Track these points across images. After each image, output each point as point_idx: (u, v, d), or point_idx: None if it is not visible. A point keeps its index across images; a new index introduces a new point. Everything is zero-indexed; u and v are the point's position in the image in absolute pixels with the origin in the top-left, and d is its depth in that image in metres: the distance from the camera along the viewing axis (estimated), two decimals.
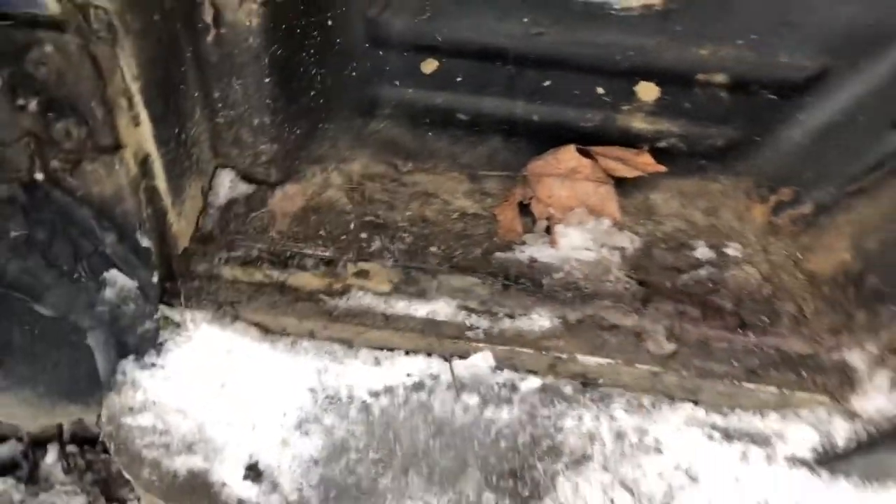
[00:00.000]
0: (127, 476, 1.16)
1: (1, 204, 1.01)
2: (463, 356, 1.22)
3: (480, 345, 1.21)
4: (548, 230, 1.34)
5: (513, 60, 1.32)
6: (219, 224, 1.29)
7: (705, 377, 1.19)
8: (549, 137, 1.39)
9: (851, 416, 1.17)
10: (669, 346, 1.21)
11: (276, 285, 1.24)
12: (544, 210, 1.35)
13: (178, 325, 1.21)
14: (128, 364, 1.19)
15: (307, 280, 1.25)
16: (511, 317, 1.22)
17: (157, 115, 1.05)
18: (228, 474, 1.14)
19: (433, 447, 1.19)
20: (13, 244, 1.04)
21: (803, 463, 1.19)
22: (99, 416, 2.39)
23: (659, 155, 1.37)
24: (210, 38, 1.12)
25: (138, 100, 0.99)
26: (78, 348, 1.14)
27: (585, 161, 1.35)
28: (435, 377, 1.23)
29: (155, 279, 1.16)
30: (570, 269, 1.28)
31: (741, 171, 1.39)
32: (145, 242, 1.11)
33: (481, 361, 1.22)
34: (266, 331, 1.24)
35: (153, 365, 1.20)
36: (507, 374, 1.23)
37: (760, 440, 1.20)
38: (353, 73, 1.37)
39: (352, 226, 1.32)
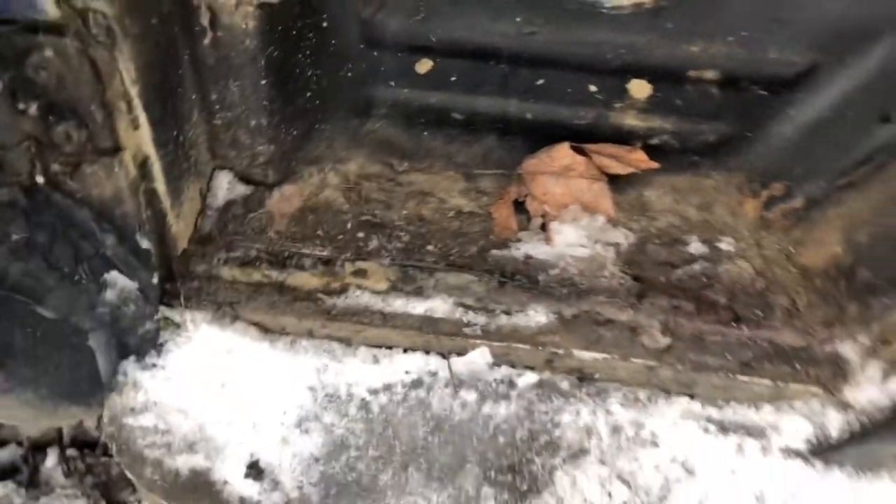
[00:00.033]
0: (129, 476, 1.18)
1: (2, 207, 1.01)
2: (460, 353, 1.23)
3: (478, 341, 1.22)
4: (543, 227, 1.36)
5: (506, 60, 1.33)
6: (217, 225, 1.30)
7: (700, 371, 1.21)
8: (543, 135, 1.40)
9: (844, 407, 1.19)
10: (664, 341, 1.22)
11: (274, 285, 1.25)
12: (539, 207, 1.36)
13: (178, 326, 1.22)
14: (129, 365, 1.20)
15: (305, 280, 1.26)
16: (507, 313, 1.23)
17: (156, 118, 1.06)
18: (230, 473, 1.15)
19: (432, 443, 1.20)
20: (14, 247, 1.04)
21: (798, 454, 1.21)
22: (99, 418, 2.40)
23: (652, 151, 1.38)
24: (207, 41, 1.12)
25: (137, 103, 1.00)
26: (79, 350, 1.14)
27: (579, 158, 1.36)
28: (433, 374, 1.24)
29: (155, 280, 1.17)
30: (565, 265, 1.29)
31: (733, 167, 1.40)
32: (145, 244, 1.12)
33: (479, 358, 1.23)
34: (265, 330, 1.25)
35: (154, 365, 1.21)
36: (504, 370, 1.24)
37: (755, 432, 1.22)
38: (349, 74, 1.38)
39: (349, 225, 1.33)
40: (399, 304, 1.24)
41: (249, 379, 1.22)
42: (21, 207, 1.03)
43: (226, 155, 1.31)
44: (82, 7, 0.88)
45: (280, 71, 1.22)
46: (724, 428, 1.22)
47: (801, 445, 1.21)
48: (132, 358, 1.20)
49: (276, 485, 1.15)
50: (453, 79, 1.38)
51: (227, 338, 1.23)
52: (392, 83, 1.41)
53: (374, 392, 1.23)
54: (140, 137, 1.05)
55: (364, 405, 1.22)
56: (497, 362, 1.24)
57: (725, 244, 1.34)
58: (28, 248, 1.05)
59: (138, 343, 1.19)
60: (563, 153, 1.37)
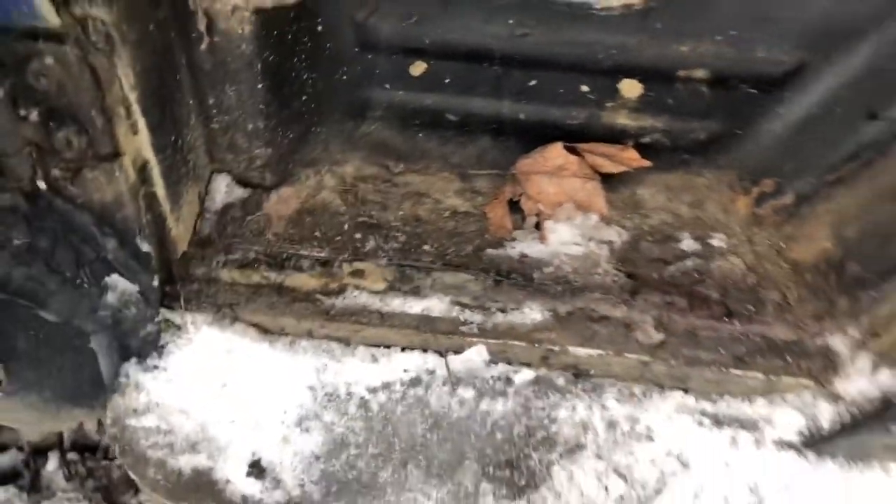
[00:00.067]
0: (133, 476, 1.19)
1: (4, 213, 1.03)
2: (458, 351, 1.25)
3: (474, 339, 1.24)
4: (537, 226, 1.37)
5: (499, 61, 1.34)
6: (216, 228, 1.31)
7: (694, 365, 1.22)
8: (536, 136, 1.41)
9: (835, 398, 1.21)
10: (658, 336, 1.24)
11: (273, 286, 1.26)
12: (533, 207, 1.38)
13: (178, 328, 1.23)
14: (131, 367, 1.21)
15: (304, 281, 1.27)
16: (503, 311, 1.25)
17: (155, 123, 1.07)
18: (232, 472, 1.17)
19: (431, 440, 1.21)
20: (17, 252, 1.05)
21: (791, 446, 1.23)
22: (99, 422, 2.42)
23: (644, 150, 1.40)
24: (204, 46, 1.14)
25: (136, 108, 1.01)
26: (81, 353, 1.16)
27: (572, 158, 1.38)
28: (431, 372, 1.26)
29: (155, 283, 1.18)
30: (559, 263, 1.31)
31: (724, 165, 1.42)
32: (145, 247, 1.13)
33: (476, 356, 1.24)
34: (265, 331, 1.27)
35: (155, 367, 1.22)
36: (501, 368, 1.26)
37: (749, 425, 1.24)
38: (344, 77, 1.39)
39: (346, 226, 1.34)
40: (396, 304, 1.25)
41: (250, 379, 1.23)
42: (23, 213, 1.04)
43: (223, 158, 1.32)
44: (82, 14, 0.89)
45: (276, 75, 1.23)
46: (717, 421, 1.24)
47: (793, 437, 1.22)
48: (134, 360, 1.22)
49: (277, 483, 1.17)
50: (447, 81, 1.39)
51: (227, 339, 1.24)
52: (387, 86, 1.42)
53: (373, 391, 1.24)
54: (139, 142, 1.06)
55: (363, 404, 1.23)
56: (494, 360, 1.25)
57: (717, 241, 1.36)
58: (30, 252, 1.06)
59: (140, 345, 1.21)
60: (556, 153, 1.38)
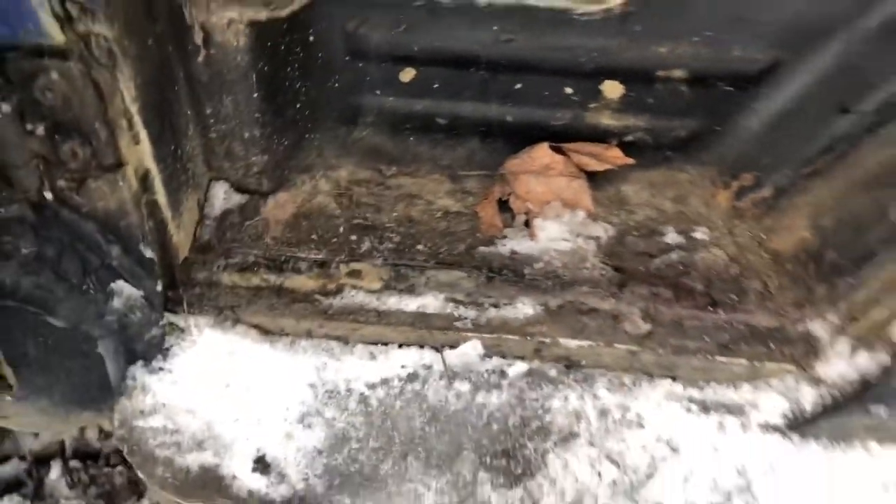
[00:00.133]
0: (141, 475, 1.22)
1: (12, 223, 1.05)
2: (453, 346, 1.29)
3: (469, 334, 1.27)
4: (526, 224, 1.41)
5: (485, 66, 1.37)
6: (216, 234, 1.35)
7: (680, 354, 1.26)
8: (523, 137, 1.45)
9: (817, 382, 1.25)
10: (645, 327, 1.27)
11: (272, 288, 1.30)
12: (522, 205, 1.42)
13: (182, 331, 1.27)
14: (137, 369, 1.25)
15: (302, 282, 1.31)
16: (496, 306, 1.29)
17: (155, 134, 1.10)
18: (238, 468, 1.20)
19: (429, 433, 1.25)
20: (25, 261, 1.08)
21: (775, 429, 1.26)
22: (101, 429, 2.44)
23: (627, 148, 1.43)
24: (200, 58, 1.17)
25: (137, 120, 1.05)
26: (89, 357, 1.18)
27: (558, 157, 1.42)
28: (428, 367, 1.29)
29: (159, 288, 1.22)
30: (549, 259, 1.35)
31: (705, 161, 1.46)
32: (149, 254, 1.17)
33: (470, 350, 1.28)
34: (265, 332, 1.30)
35: (161, 369, 1.25)
36: (495, 361, 1.29)
37: (735, 410, 1.27)
38: (336, 85, 1.42)
39: (342, 229, 1.38)
40: (393, 302, 1.29)
41: (252, 378, 1.27)
42: (30, 223, 1.06)
43: (221, 166, 1.36)
44: (85, 31, 0.92)
45: (270, 84, 1.27)
46: (705, 407, 1.27)
47: (778, 420, 1.26)
48: (140, 363, 1.25)
49: (282, 477, 1.20)
50: (436, 86, 1.42)
51: (229, 340, 1.28)
52: (378, 92, 1.45)
53: (372, 387, 1.28)
54: (141, 152, 1.09)
55: (363, 399, 1.27)
56: (488, 353, 1.29)
57: (700, 233, 1.40)
58: (38, 261, 1.09)
59: (145, 348, 1.24)
60: (542, 153, 1.42)
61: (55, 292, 1.12)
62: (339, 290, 1.30)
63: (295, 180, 1.44)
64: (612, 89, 1.38)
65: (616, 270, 1.34)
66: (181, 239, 1.28)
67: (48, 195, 1.06)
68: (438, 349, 1.29)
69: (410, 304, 1.29)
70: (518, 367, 1.29)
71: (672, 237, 1.40)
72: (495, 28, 1.31)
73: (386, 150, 1.49)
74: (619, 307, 1.29)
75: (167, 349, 1.27)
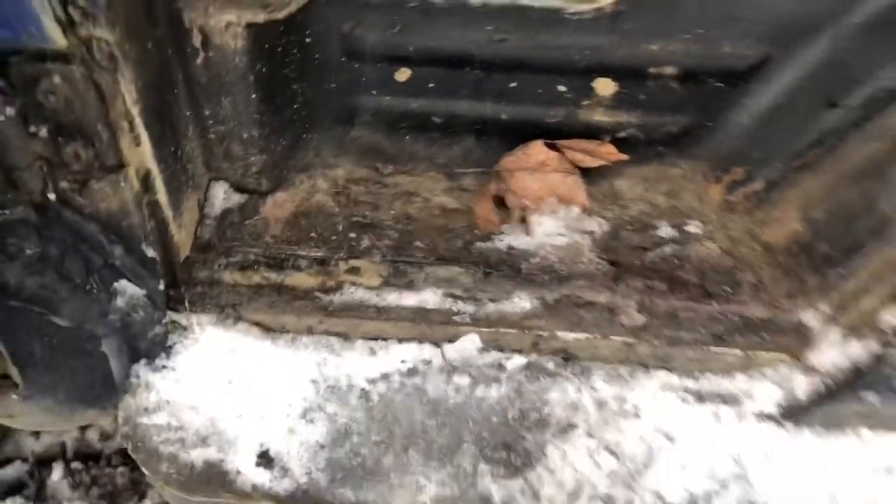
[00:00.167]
0: (146, 472, 1.24)
1: (17, 225, 1.06)
2: (452, 340, 1.30)
3: (467, 329, 1.29)
4: (523, 220, 1.43)
5: (480, 65, 1.39)
6: (216, 233, 1.36)
7: (676, 345, 1.28)
8: (518, 134, 1.47)
9: (810, 371, 1.26)
10: (641, 319, 1.29)
11: (273, 286, 1.31)
12: (518, 201, 1.43)
13: (185, 329, 1.29)
14: (140, 368, 1.26)
15: (302, 279, 1.32)
16: (494, 301, 1.30)
17: (156, 135, 1.11)
18: (242, 463, 1.21)
19: (430, 426, 1.26)
20: (29, 262, 1.09)
21: (770, 417, 1.28)
22: (102, 432, 2.45)
23: (620, 144, 1.45)
24: (199, 61, 1.19)
25: (138, 122, 1.06)
26: (93, 355, 1.20)
27: (553, 154, 1.44)
28: (427, 362, 1.31)
29: (161, 287, 1.23)
30: (545, 254, 1.37)
31: (697, 155, 1.47)
32: (151, 253, 1.18)
33: (469, 344, 1.30)
34: (267, 329, 1.32)
35: (164, 367, 1.27)
36: (493, 355, 1.31)
37: (730, 400, 1.29)
38: (333, 86, 1.44)
39: (340, 227, 1.40)
40: (392, 298, 1.30)
41: (255, 375, 1.28)
42: (33, 224, 1.07)
43: (220, 167, 1.37)
44: (87, 35, 0.93)
45: (268, 85, 1.28)
46: (700, 397, 1.29)
47: (772, 409, 1.28)
48: (143, 361, 1.26)
49: (285, 472, 1.21)
50: (431, 85, 1.44)
51: (231, 338, 1.29)
52: (374, 92, 1.46)
53: (372, 382, 1.29)
54: (142, 154, 1.10)
55: (364, 394, 1.28)
56: (486, 347, 1.30)
57: (693, 227, 1.42)
58: (42, 262, 1.10)
59: (148, 346, 1.26)
60: (537, 150, 1.44)
61: (59, 292, 1.13)
62: (338, 287, 1.31)
63: (293, 180, 1.45)
64: (605, 87, 1.40)
65: (611, 264, 1.36)
66: (182, 238, 1.29)
67: (51, 196, 1.07)
68: (437, 344, 1.31)
69: (409, 299, 1.30)
70: (516, 361, 1.31)
71: (666, 231, 1.42)
72: (489, 28, 1.32)
73: (383, 148, 1.51)
74: (614, 300, 1.31)
75: (170, 347, 1.28)
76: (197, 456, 1.22)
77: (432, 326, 1.29)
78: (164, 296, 1.25)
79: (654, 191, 1.48)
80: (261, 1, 1.14)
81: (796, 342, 1.28)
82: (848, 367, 1.22)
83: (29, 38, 0.92)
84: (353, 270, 1.34)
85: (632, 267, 1.36)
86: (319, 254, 1.35)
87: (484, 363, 1.31)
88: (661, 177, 1.49)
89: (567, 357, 1.32)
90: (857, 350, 1.21)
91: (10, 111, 0.97)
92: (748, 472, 1.25)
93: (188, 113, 1.25)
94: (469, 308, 1.30)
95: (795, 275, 1.33)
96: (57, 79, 0.96)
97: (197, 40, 1.17)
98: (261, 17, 1.16)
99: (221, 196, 1.40)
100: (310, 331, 1.32)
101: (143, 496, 2.41)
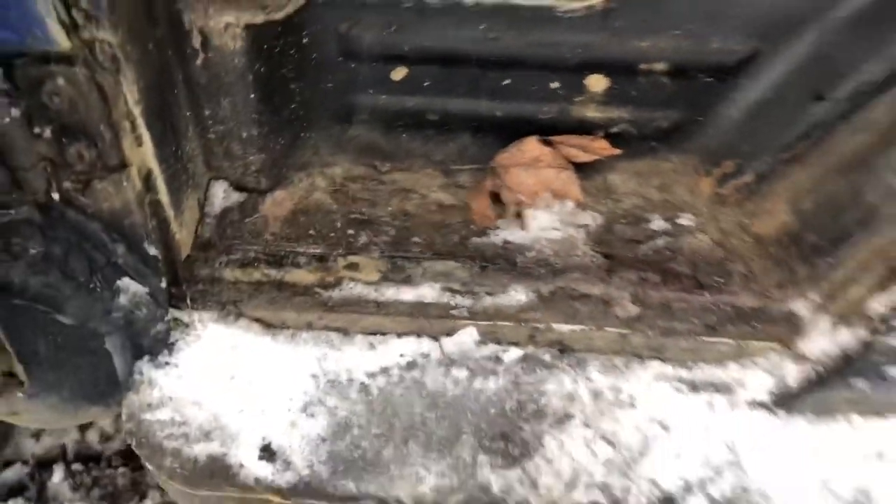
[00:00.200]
0: (149, 467, 1.25)
1: (21, 225, 1.07)
2: (450, 334, 1.32)
3: (465, 322, 1.31)
4: (518, 215, 1.45)
5: (474, 63, 1.40)
6: (216, 231, 1.38)
7: (669, 335, 1.30)
8: (512, 131, 1.48)
9: (801, 359, 1.28)
10: (635, 310, 1.31)
11: (273, 283, 1.33)
12: (513, 197, 1.45)
13: (187, 326, 1.30)
14: (143, 364, 1.28)
15: (302, 276, 1.34)
16: (491, 294, 1.32)
17: (157, 135, 1.13)
18: (245, 456, 1.23)
19: (429, 419, 1.28)
20: (33, 261, 1.10)
21: (762, 405, 1.30)
22: (101, 432, 2.46)
23: (613, 140, 1.47)
24: (199, 62, 1.21)
25: (140, 122, 1.07)
26: (97, 353, 1.21)
27: (547, 150, 1.46)
28: (426, 355, 1.32)
29: (163, 285, 1.25)
30: (540, 247, 1.39)
31: (688, 150, 1.49)
32: (153, 251, 1.20)
33: (467, 337, 1.31)
34: (268, 325, 1.33)
35: (167, 364, 1.29)
36: (491, 348, 1.32)
37: (723, 388, 1.31)
38: (330, 85, 1.45)
39: (339, 224, 1.41)
40: (390, 293, 1.32)
41: (256, 370, 1.30)
42: (37, 224, 1.09)
43: (220, 166, 1.39)
44: (90, 38, 0.94)
45: (266, 85, 1.30)
46: (694, 387, 1.31)
47: (765, 397, 1.30)
48: (146, 358, 1.28)
49: (287, 465, 1.23)
50: (427, 84, 1.45)
51: (232, 334, 1.31)
52: (370, 91, 1.48)
53: (372, 375, 1.31)
54: (144, 154, 1.12)
55: (364, 388, 1.30)
56: (484, 340, 1.32)
57: (685, 220, 1.45)
58: (46, 261, 1.11)
59: (151, 343, 1.27)
60: (531, 146, 1.46)
61: (63, 291, 1.14)
62: (338, 283, 1.33)
63: (292, 178, 1.47)
64: (597, 83, 1.42)
65: (605, 257, 1.38)
66: (183, 237, 1.31)
67: (55, 196, 1.09)
68: (436, 337, 1.33)
69: (407, 294, 1.32)
70: (513, 353, 1.32)
71: (658, 224, 1.44)
72: (482, 27, 1.33)
73: (380, 146, 1.53)
74: (609, 292, 1.33)
75: (172, 344, 1.30)
76: (200, 450, 1.23)
77: (430, 320, 1.31)
78: (166, 293, 1.27)
79: (646, 185, 1.50)
80: (259, 2, 1.16)
81: (787, 331, 1.30)
82: (837, 354, 1.24)
83: (33, 40, 0.94)
84: (352, 266, 1.35)
85: (625, 259, 1.38)
86: (318, 250, 1.37)
87: (481, 356, 1.32)
88: (653, 171, 1.51)
89: (563, 349, 1.34)
90: (847, 338, 1.23)
91: (15, 113, 0.98)
92: (741, 459, 1.27)
93: (188, 113, 1.26)
94: (466, 302, 1.32)
95: (785, 265, 1.35)
96: (61, 80, 0.97)
97: (197, 41, 1.19)
98: (259, 18, 1.18)
99: (221, 195, 1.42)
100: (310, 326, 1.34)
101: (143, 496, 2.43)
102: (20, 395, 1.21)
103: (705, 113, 1.45)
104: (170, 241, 1.26)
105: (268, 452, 1.24)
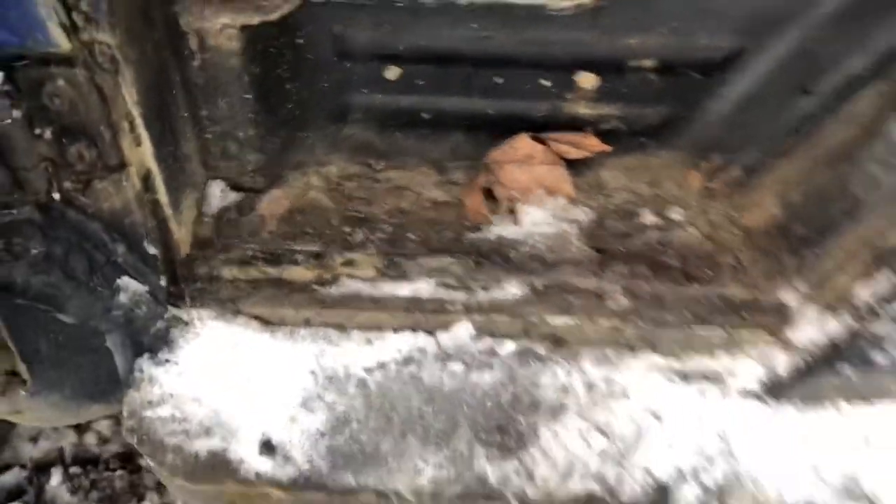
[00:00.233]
0: (151, 463, 1.27)
1: (23, 225, 1.09)
2: (446, 328, 1.33)
3: (460, 317, 1.33)
4: (511, 211, 1.46)
5: (467, 62, 1.41)
6: (214, 230, 1.39)
7: (661, 327, 1.32)
8: (505, 129, 1.49)
9: (789, 347, 1.31)
10: (626, 303, 1.33)
11: (271, 280, 1.34)
12: (506, 193, 1.47)
13: (186, 324, 1.31)
14: (144, 362, 1.29)
15: (300, 273, 1.35)
16: (485, 289, 1.34)
17: (156, 136, 1.14)
18: (245, 451, 1.24)
19: (426, 412, 1.30)
20: (34, 261, 1.11)
21: (753, 394, 1.33)
22: (99, 435, 2.46)
23: (603, 136, 1.49)
24: (196, 63, 1.22)
25: (139, 122, 1.08)
26: (98, 351, 1.23)
27: (539, 147, 1.47)
28: (422, 350, 1.34)
29: (163, 283, 1.27)
30: (534, 242, 1.41)
31: (677, 145, 1.51)
32: (152, 250, 1.21)
33: (462, 331, 1.33)
34: (266, 322, 1.34)
35: (167, 361, 1.30)
36: (486, 341, 1.34)
37: (714, 378, 1.34)
38: (325, 85, 1.46)
39: (335, 222, 1.43)
40: (387, 289, 1.34)
41: (255, 367, 1.31)
42: (38, 224, 1.10)
43: (217, 166, 1.40)
44: (89, 39, 0.96)
45: (262, 86, 1.31)
46: (686, 377, 1.34)
47: (755, 386, 1.33)
48: (146, 355, 1.30)
49: (287, 459, 1.25)
50: (420, 83, 1.46)
51: (231, 332, 1.32)
52: (365, 90, 1.49)
53: (369, 370, 1.33)
54: (142, 154, 1.13)
55: (361, 383, 1.32)
56: (479, 334, 1.34)
57: (675, 214, 1.47)
58: (47, 261, 1.12)
59: (151, 341, 1.29)
60: (524, 143, 1.48)
61: (64, 290, 1.16)
62: (335, 280, 1.35)
63: (288, 177, 1.49)
64: (587, 80, 1.43)
65: (597, 251, 1.40)
66: (182, 236, 1.32)
67: (56, 196, 1.10)
68: (432, 332, 1.34)
69: (404, 290, 1.34)
70: (508, 346, 1.35)
71: (649, 218, 1.47)
72: (475, 26, 1.35)
73: (374, 145, 1.54)
74: (601, 285, 1.35)
75: (172, 341, 1.31)
76: (201, 446, 1.25)
77: (426, 315, 1.33)
78: (165, 292, 1.28)
79: (636, 180, 1.52)
80: (255, 3, 1.18)
81: (776, 321, 1.33)
82: (825, 342, 1.27)
83: (35, 43, 0.95)
84: (349, 263, 1.37)
85: (617, 253, 1.40)
86: (315, 248, 1.39)
87: (477, 349, 1.34)
88: (643, 166, 1.54)
89: (557, 341, 1.36)
90: (834, 326, 1.26)
91: (16, 114, 0.99)
92: (733, 447, 1.30)
93: (186, 114, 1.28)
94: (461, 296, 1.34)
95: (774, 256, 1.38)
96: (61, 82, 0.98)
97: (193, 43, 1.20)
98: (255, 20, 1.19)
99: (219, 194, 1.43)
100: (307, 323, 1.35)
101: (141, 498, 2.44)
102: (23, 393, 1.22)
103: (693, 109, 1.47)
104: (169, 240, 1.28)
105: (268, 447, 1.26)
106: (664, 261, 1.40)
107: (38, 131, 1.03)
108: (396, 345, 1.35)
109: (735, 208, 1.47)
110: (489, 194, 1.49)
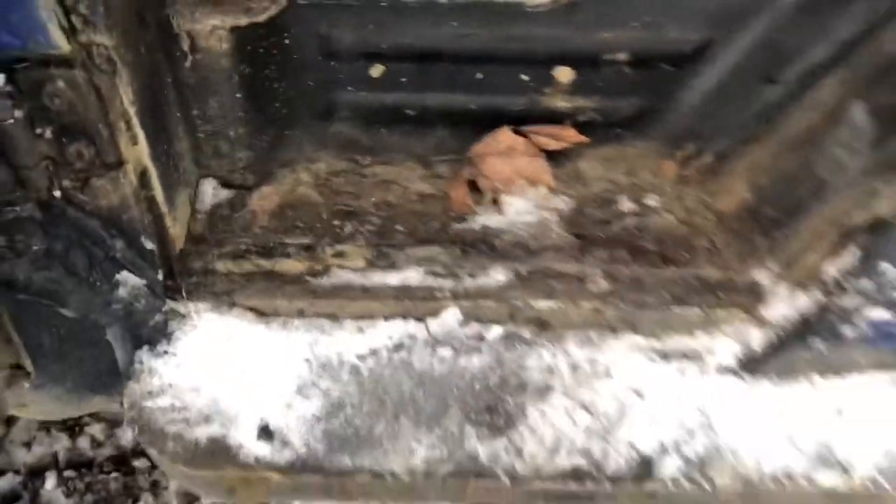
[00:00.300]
0: (151, 452, 1.30)
1: (25, 222, 1.12)
2: (434, 315, 1.38)
3: (448, 303, 1.37)
4: (495, 201, 1.51)
5: (449, 59, 1.45)
6: (208, 226, 1.43)
7: (640, 308, 1.37)
8: (487, 123, 1.54)
9: (763, 324, 1.36)
10: (607, 286, 1.38)
11: (264, 273, 1.38)
12: (490, 185, 1.52)
13: (183, 316, 1.35)
14: (143, 354, 1.33)
15: (292, 265, 1.39)
16: (472, 276, 1.38)
17: (151, 134, 1.17)
18: (244, 437, 1.28)
19: (418, 396, 1.34)
20: (36, 258, 1.15)
21: (730, 370, 1.38)
22: (92, 438, 2.48)
23: (581, 128, 1.53)
24: (187, 63, 1.26)
25: (135, 121, 1.12)
26: (99, 344, 1.26)
27: (520, 139, 1.52)
28: (412, 336, 1.38)
29: (160, 277, 1.30)
30: (517, 231, 1.45)
31: (651, 135, 1.56)
32: (149, 245, 1.24)
33: (451, 318, 1.38)
34: (260, 314, 1.38)
35: (166, 353, 1.33)
36: (473, 327, 1.39)
37: (693, 356, 1.39)
38: (312, 84, 1.50)
39: (325, 215, 1.47)
40: (377, 278, 1.38)
41: (252, 357, 1.35)
42: (39, 221, 1.13)
43: (209, 164, 1.44)
44: (87, 41, 0.99)
45: (252, 85, 1.36)
46: (665, 355, 1.39)
47: (731, 362, 1.38)
48: (146, 347, 1.33)
49: (285, 444, 1.29)
50: (404, 80, 1.50)
51: (227, 323, 1.36)
52: (350, 88, 1.52)
53: (362, 358, 1.37)
54: (139, 152, 1.16)
55: (355, 370, 1.36)
56: (467, 320, 1.38)
57: (651, 200, 1.52)
58: (48, 257, 1.16)
59: (150, 334, 1.32)
60: (505, 136, 1.52)
61: (65, 285, 1.19)
62: (326, 271, 1.38)
63: (278, 174, 1.52)
64: (564, 74, 1.47)
65: (577, 237, 1.45)
66: (177, 232, 1.36)
67: (56, 194, 1.13)
68: (421, 319, 1.38)
69: (393, 279, 1.38)
70: (495, 331, 1.39)
71: (626, 205, 1.52)
72: (455, 24, 1.38)
73: (361, 141, 1.58)
74: (582, 270, 1.40)
75: (170, 334, 1.35)
76: (201, 433, 1.29)
77: (415, 303, 1.37)
78: (162, 286, 1.32)
79: (613, 169, 1.57)
80: (243, 5, 1.22)
81: (750, 299, 1.38)
82: (796, 318, 1.33)
83: (35, 45, 0.98)
84: (339, 255, 1.41)
85: (596, 239, 1.45)
86: (306, 241, 1.42)
87: (465, 335, 1.39)
88: (619, 156, 1.58)
89: (541, 325, 1.40)
90: (804, 302, 1.31)
91: (18, 114, 1.02)
92: (712, 421, 1.35)
93: (178, 113, 1.32)
94: (449, 284, 1.38)
95: (746, 238, 1.44)
96: (60, 83, 1.02)
97: (185, 44, 1.24)
98: (243, 21, 1.23)
99: (211, 192, 1.47)
100: (301, 313, 1.39)
101: (136, 500, 2.46)
102: (27, 386, 1.25)
103: (666, 99, 1.52)
104: (165, 235, 1.31)
105: (266, 433, 1.30)
106: (642, 245, 1.45)
107: (38, 131, 1.06)
108: (387, 332, 1.39)
109: (708, 194, 1.52)
110: (473, 186, 1.53)
